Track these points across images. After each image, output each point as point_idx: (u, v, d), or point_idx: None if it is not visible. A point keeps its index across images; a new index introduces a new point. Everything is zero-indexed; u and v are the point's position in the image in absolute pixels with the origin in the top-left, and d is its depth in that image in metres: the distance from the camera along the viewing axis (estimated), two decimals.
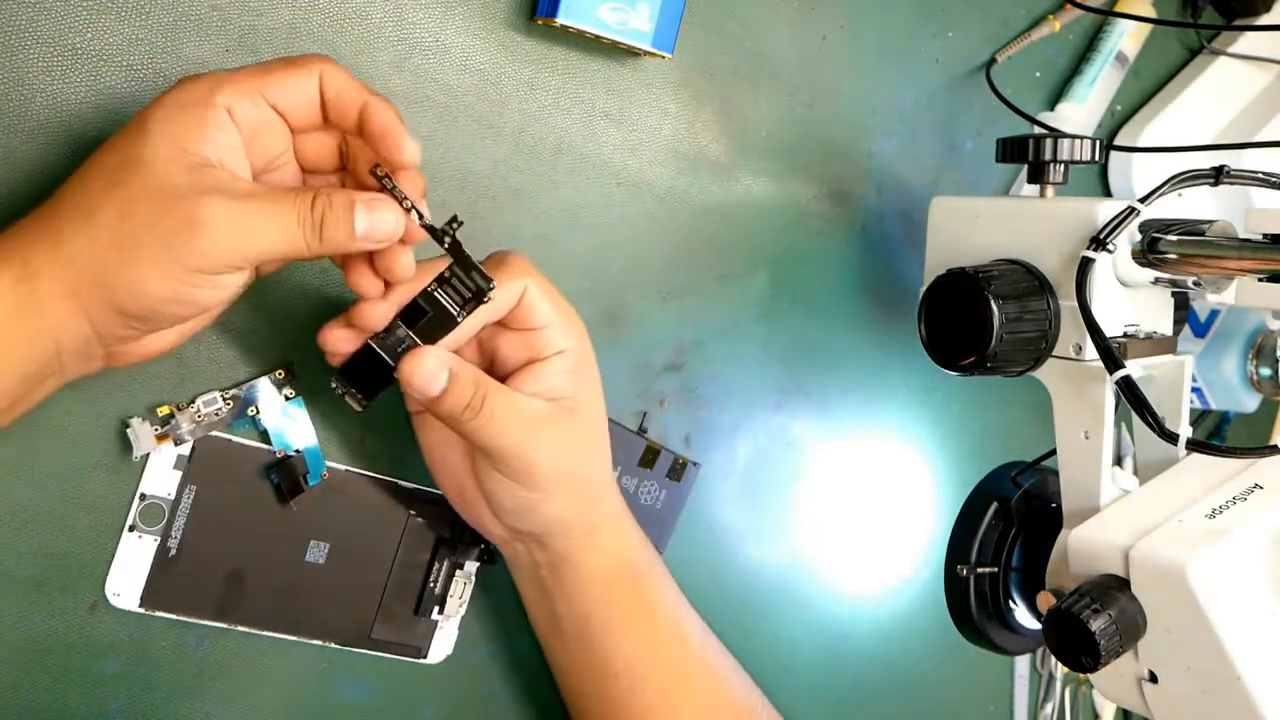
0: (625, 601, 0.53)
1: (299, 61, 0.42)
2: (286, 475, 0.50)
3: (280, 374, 0.50)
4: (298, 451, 0.51)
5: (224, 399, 0.49)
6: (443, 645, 0.56)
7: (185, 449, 0.48)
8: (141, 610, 0.48)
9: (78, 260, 0.38)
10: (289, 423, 0.50)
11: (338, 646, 0.53)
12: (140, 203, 0.38)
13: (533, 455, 0.46)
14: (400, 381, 0.44)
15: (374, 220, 0.41)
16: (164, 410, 0.47)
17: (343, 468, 0.52)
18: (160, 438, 0.47)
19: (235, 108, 0.40)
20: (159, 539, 0.48)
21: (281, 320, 0.50)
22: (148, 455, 0.47)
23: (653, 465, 0.61)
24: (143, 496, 0.47)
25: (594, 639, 0.53)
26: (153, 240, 0.38)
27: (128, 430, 0.46)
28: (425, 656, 0.55)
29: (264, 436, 0.50)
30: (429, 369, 0.44)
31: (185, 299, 0.39)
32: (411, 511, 0.54)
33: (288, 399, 0.50)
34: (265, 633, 0.51)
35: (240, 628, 0.50)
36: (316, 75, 0.41)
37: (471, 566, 0.56)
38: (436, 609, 0.55)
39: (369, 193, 0.42)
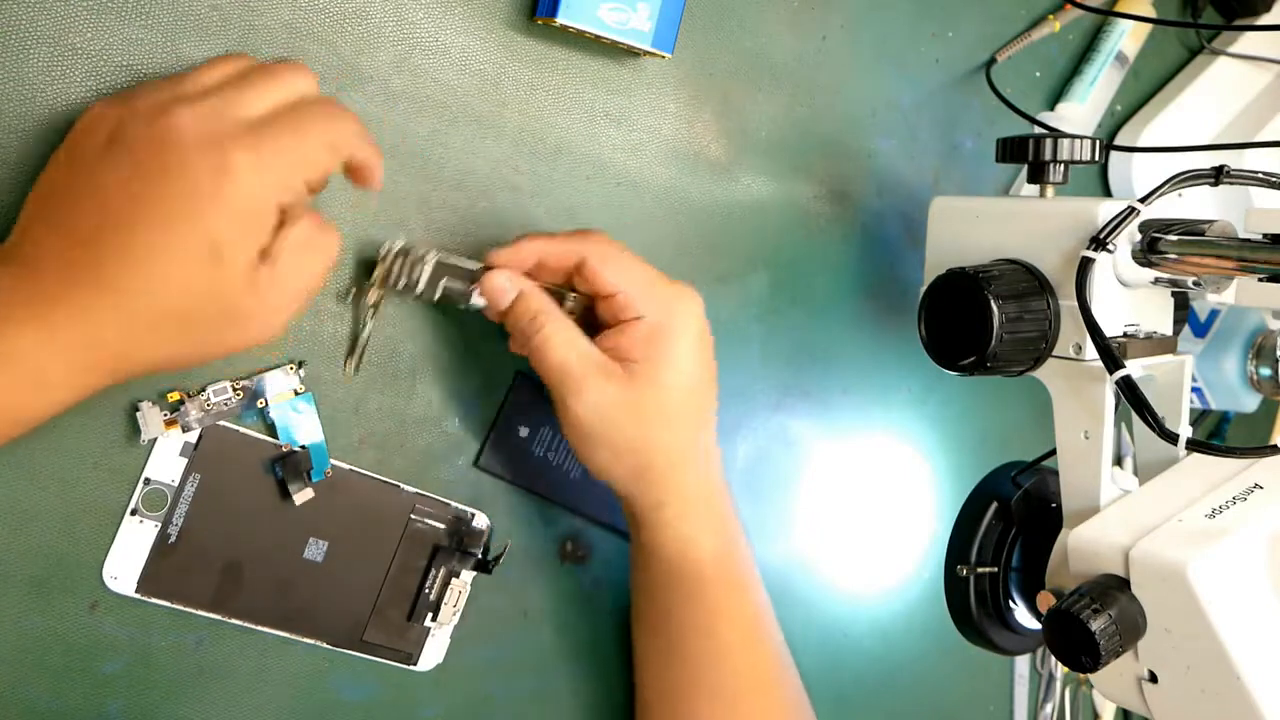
0: (687, 595, 0.53)
1: (337, 147, 0.43)
2: (290, 470, 0.50)
3: (291, 368, 0.50)
4: (303, 447, 0.51)
5: (234, 389, 0.49)
6: (434, 653, 0.56)
7: (192, 437, 0.48)
8: (138, 596, 0.48)
9: (138, 368, 0.41)
10: (297, 417, 0.50)
11: (329, 647, 0.53)
12: (211, 331, 0.41)
13: (573, 398, 0.49)
14: (482, 295, 0.50)
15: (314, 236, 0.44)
16: (174, 397, 0.48)
17: (346, 467, 0.52)
18: (169, 423, 0.47)
19: (287, 203, 0.42)
20: (160, 525, 0.48)
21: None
22: (154, 441, 0.47)
23: None
24: (147, 481, 0.48)
25: (657, 626, 0.54)
26: (218, 350, 0.42)
27: (137, 414, 0.46)
28: (415, 664, 0.55)
29: (271, 429, 0.50)
30: (500, 284, 0.50)
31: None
32: (411, 516, 0.54)
33: (297, 393, 0.50)
34: (259, 627, 0.51)
35: (234, 620, 0.50)
36: (346, 156, 0.44)
37: (468, 575, 0.56)
38: (430, 616, 0.55)
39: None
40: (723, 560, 0.54)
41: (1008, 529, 0.58)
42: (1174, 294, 0.55)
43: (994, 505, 0.58)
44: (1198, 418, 0.91)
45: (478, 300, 0.50)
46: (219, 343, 0.42)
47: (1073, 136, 0.55)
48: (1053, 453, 0.54)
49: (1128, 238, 0.51)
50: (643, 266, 0.51)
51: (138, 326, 0.39)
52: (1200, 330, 0.83)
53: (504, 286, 0.50)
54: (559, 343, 0.49)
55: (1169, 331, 0.55)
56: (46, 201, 0.41)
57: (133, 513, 0.47)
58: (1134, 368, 0.49)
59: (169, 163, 0.39)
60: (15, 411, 0.38)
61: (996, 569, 0.58)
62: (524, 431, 0.57)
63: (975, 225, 0.56)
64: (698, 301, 0.52)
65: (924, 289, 0.53)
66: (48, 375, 0.38)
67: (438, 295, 0.50)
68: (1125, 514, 0.50)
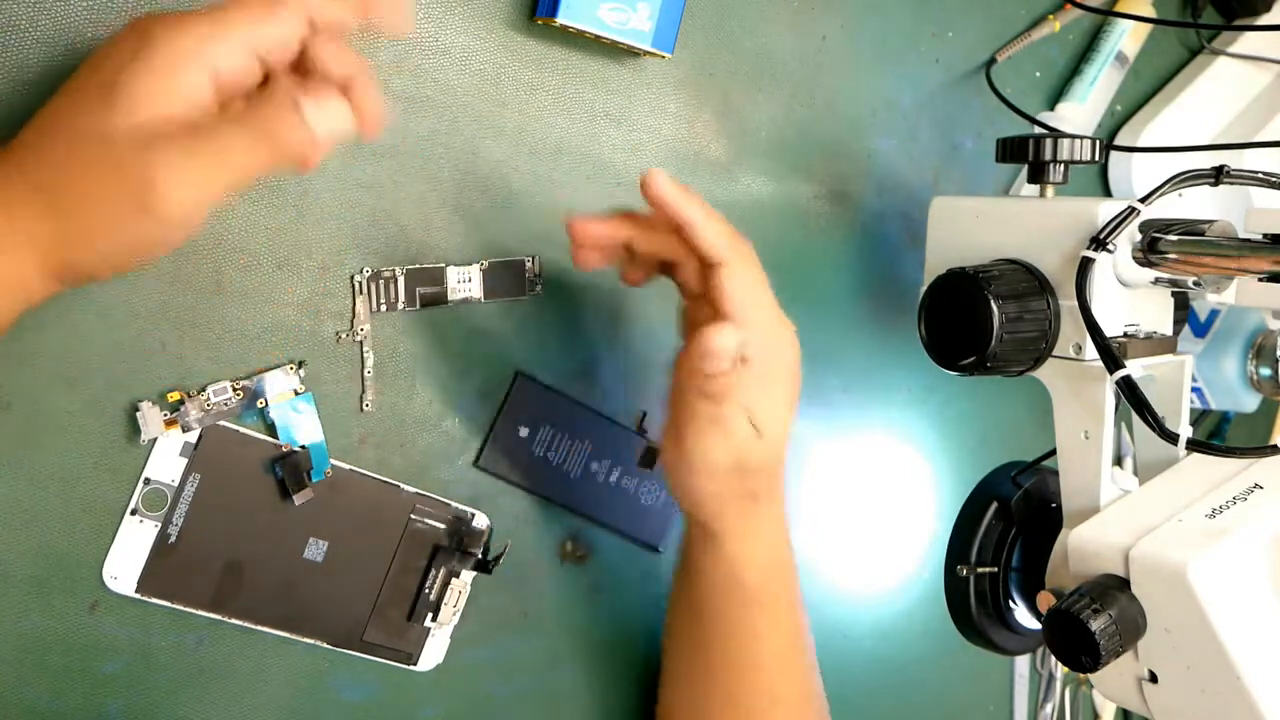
0: (739, 617, 0.54)
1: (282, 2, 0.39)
2: (290, 470, 0.50)
3: (291, 368, 0.50)
4: (303, 447, 0.51)
5: (234, 389, 0.49)
6: (434, 653, 0.56)
7: (192, 437, 0.48)
8: (138, 596, 0.48)
9: (39, 235, 0.37)
10: (297, 417, 0.50)
11: (329, 647, 0.53)
12: (99, 184, 0.37)
13: (681, 435, 0.50)
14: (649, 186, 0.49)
15: (331, 118, 0.40)
16: (174, 397, 0.48)
17: (346, 467, 0.52)
18: (169, 423, 0.47)
19: (220, 63, 0.38)
20: (160, 525, 0.48)
21: (295, 313, 0.50)
22: (154, 441, 0.47)
23: (653, 465, 0.61)
24: (147, 481, 0.48)
25: (697, 645, 0.55)
26: (114, 225, 0.37)
27: (137, 414, 0.47)
28: (416, 664, 0.55)
29: (271, 429, 0.50)
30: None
31: (149, 255, 0.40)
32: (411, 516, 0.54)
33: (297, 393, 0.50)
34: (259, 627, 0.51)
35: (234, 620, 0.50)
36: (303, 21, 0.40)
37: (468, 576, 0.56)
38: (430, 616, 0.55)
39: (315, 86, 0.40)
40: (777, 579, 0.55)
41: (1008, 529, 0.58)
42: (1174, 294, 0.55)
43: (994, 505, 0.58)
44: (1198, 418, 0.91)
45: (458, 293, 0.52)
46: (114, 210, 0.37)
47: (1073, 136, 0.55)
48: (1053, 453, 0.54)
49: (1128, 238, 0.51)
50: (762, 297, 0.50)
51: (38, 193, 0.37)
52: (1200, 330, 0.83)
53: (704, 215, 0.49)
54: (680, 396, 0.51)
55: (1169, 331, 0.55)
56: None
57: (133, 513, 0.47)
58: (1134, 368, 0.49)
59: (102, 55, 0.39)
60: None
61: (996, 569, 0.58)
62: (524, 431, 0.57)
63: (975, 225, 0.56)
64: (790, 333, 0.52)
65: (924, 289, 0.53)
66: None
67: (419, 303, 0.52)
68: (1125, 514, 0.50)
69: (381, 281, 0.52)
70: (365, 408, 0.52)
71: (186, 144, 0.37)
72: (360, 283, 0.51)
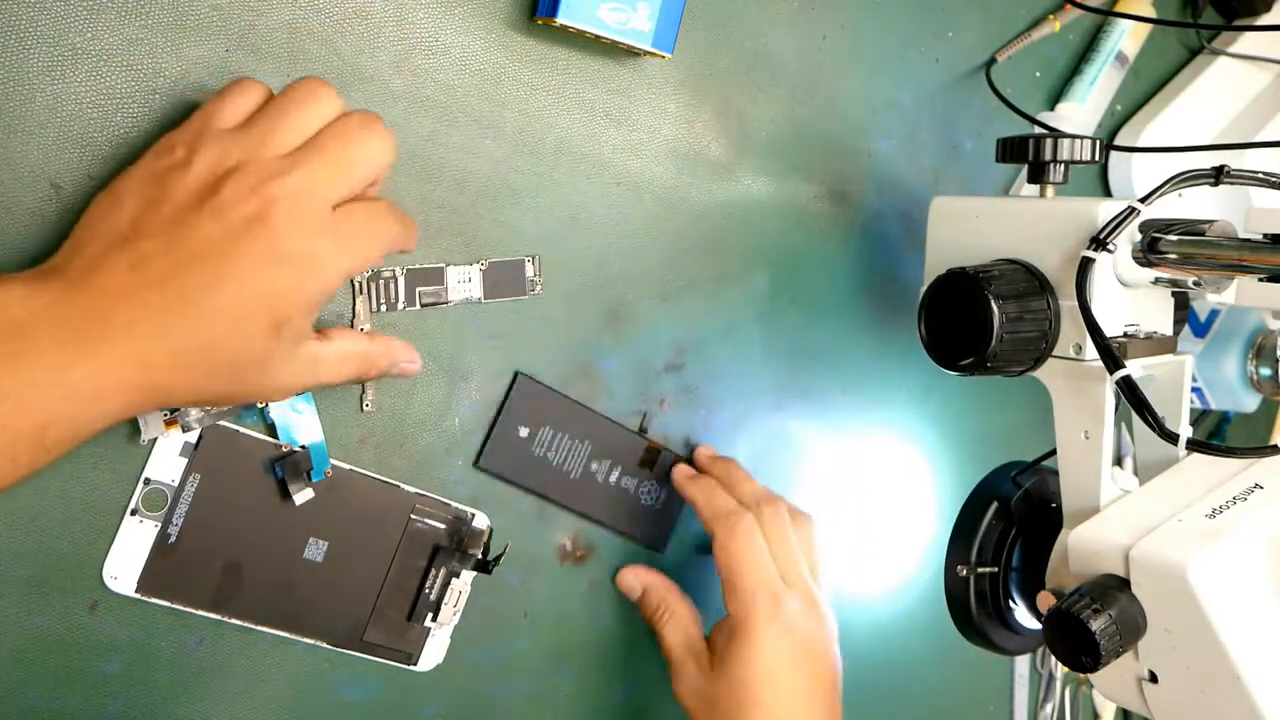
0: None
1: (391, 249, 0.47)
2: (290, 469, 0.50)
3: None
4: (303, 447, 0.51)
5: None
6: (434, 653, 0.56)
7: (192, 437, 0.48)
8: (138, 596, 0.48)
9: (176, 398, 0.42)
10: (296, 417, 0.50)
11: (329, 647, 0.53)
12: (248, 386, 0.43)
13: (674, 680, 0.58)
14: (619, 584, 0.62)
15: (403, 370, 0.51)
16: None
17: (347, 467, 0.52)
18: (169, 423, 0.47)
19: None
20: (160, 525, 0.48)
21: None
22: (154, 441, 0.47)
23: (653, 465, 0.61)
24: (147, 481, 0.48)
25: None
26: (240, 398, 0.44)
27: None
28: (416, 664, 0.55)
29: (271, 429, 0.50)
30: (629, 583, 0.61)
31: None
32: (411, 516, 0.54)
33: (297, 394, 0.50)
34: (259, 627, 0.51)
35: (234, 620, 0.50)
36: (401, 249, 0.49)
37: (468, 576, 0.56)
38: (430, 616, 0.55)
39: (409, 350, 0.51)
40: None
41: (1008, 529, 0.58)
42: (1174, 294, 0.55)
43: (994, 505, 0.58)
44: (1198, 418, 0.91)
45: (458, 293, 0.53)
46: (242, 394, 0.44)
47: (1073, 136, 0.55)
48: (1053, 453, 0.54)
49: (1128, 238, 0.51)
50: (756, 568, 0.57)
51: (194, 373, 0.41)
52: (1200, 330, 0.83)
53: (631, 585, 0.61)
54: (671, 629, 0.59)
55: (1169, 331, 0.54)
56: (114, 229, 0.41)
57: (133, 513, 0.47)
58: (1134, 368, 0.49)
59: (257, 236, 0.41)
60: (77, 435, 0.39)
61: (996, 569, 0.58)
62: (524, 431, 0.57)
63: (975, 225, 0.56)
64: (802, 611, 0.57)
65: (924, 289, 0.53)
66: (106, 406, 0.40)
67: (419, 303, 0.52)
68: (1125, 514, 0.50)
69: (381, 281, 0.52)
70: (365, 407, 0.52)
71: (315, 369, 0.46)
72: (360, 282, 0.51)
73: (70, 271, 0.40)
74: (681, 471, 0.61)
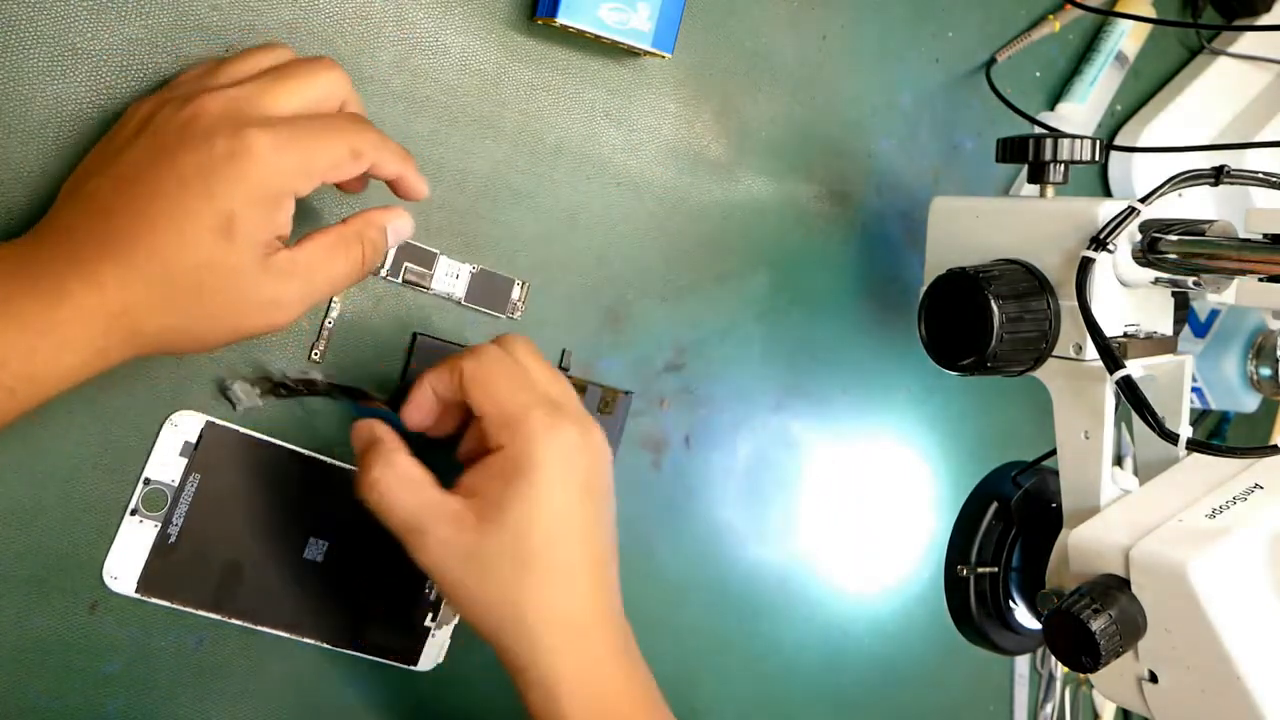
0: None
1: (360, 147, 0.44)
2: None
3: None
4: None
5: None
6: (434, 653, 0.56)
7: (192, 436, 0.48)
8: (138, 596, 0.48)
9: (155, 340, 0.41)
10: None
11: (329, 647, 0.53)
12: (225, 305, 0.41)
13: (418, 553, 0.45)
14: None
15: (398, 230, 0.47)
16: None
17: (348, 466, 0.52)
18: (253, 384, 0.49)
19: (303, 190, 0.42)
20: (160, 525, 0.48)
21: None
22: (154, 440, 0.47)
23: (614, 410, 0.59)
24: (147, 481, 0.48)
25: None
26: (233, 333, 0.42)
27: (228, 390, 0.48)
28: (416, 663, 0.55)
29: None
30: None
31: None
32: None
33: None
34: (259, 627, 0.51)
35: (234, 620, 0.50)
36: (369, 165, 0.45)
37: None
38: (430, 616, 0.55)
39: (386, 213, 0.47)
40: None
41: (1008, 529, 0.58)
42: (1174, 294, 0.55)
43: (994, 505, 0.58)
44: (1198, 418, 0.91)
45: (442, 284, 0.52)
46: (231, 322, 0.42)
47: (1073, 136, 0.55)
48: (1053, 453, 0.54)
49: (1128, 238, 0.51)
50: (521, 387, 0.46)
51: (151, 293, 0.40)
52: (1200, 330, 0.83)
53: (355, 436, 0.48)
54: (400, 486, 0.45)
55: (1169, 331, 0.55)
56: (76, 183, 0.43)
57: (133, 513, 0.47)
58: (1134, 368, 0.49)
59: (188, 140, 0.41)
60: (37, 371, 0.39)
61: (996, 569, 0.58)
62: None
63: (975, 225, 0.56)
64: (580, 433, 0.46)
65: (924, 289, 0.53)
66: (64, 335, 0.39)
67: (402, 278, 0.52)
68: (1125, 514, 0.50)
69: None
70: (313, 356, 0.51)
71: (303, 263, 0.43)
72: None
73: (34, 229, 0.42)
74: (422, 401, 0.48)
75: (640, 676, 0.49)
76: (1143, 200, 0.50)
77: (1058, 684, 0.84)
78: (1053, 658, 0.82)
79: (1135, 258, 0.51)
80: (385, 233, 0.47)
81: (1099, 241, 0.50)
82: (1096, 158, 0.55)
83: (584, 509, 0.46)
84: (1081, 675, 0.73)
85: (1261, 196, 0.75)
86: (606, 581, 0.48)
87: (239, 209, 0.40)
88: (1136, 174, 0.78)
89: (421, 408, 0.49)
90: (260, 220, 0.41)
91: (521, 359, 0.48)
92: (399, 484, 0.45)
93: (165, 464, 0.48)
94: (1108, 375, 0.49)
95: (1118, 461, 0.53)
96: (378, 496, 0.45)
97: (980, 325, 0.50)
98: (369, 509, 0.46)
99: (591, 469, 0.46)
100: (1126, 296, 0.52)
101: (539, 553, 0.44)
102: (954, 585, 0.58)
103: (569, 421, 0.46)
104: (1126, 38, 0.76)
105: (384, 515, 0.45)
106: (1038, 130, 0.67)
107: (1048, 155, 0.55)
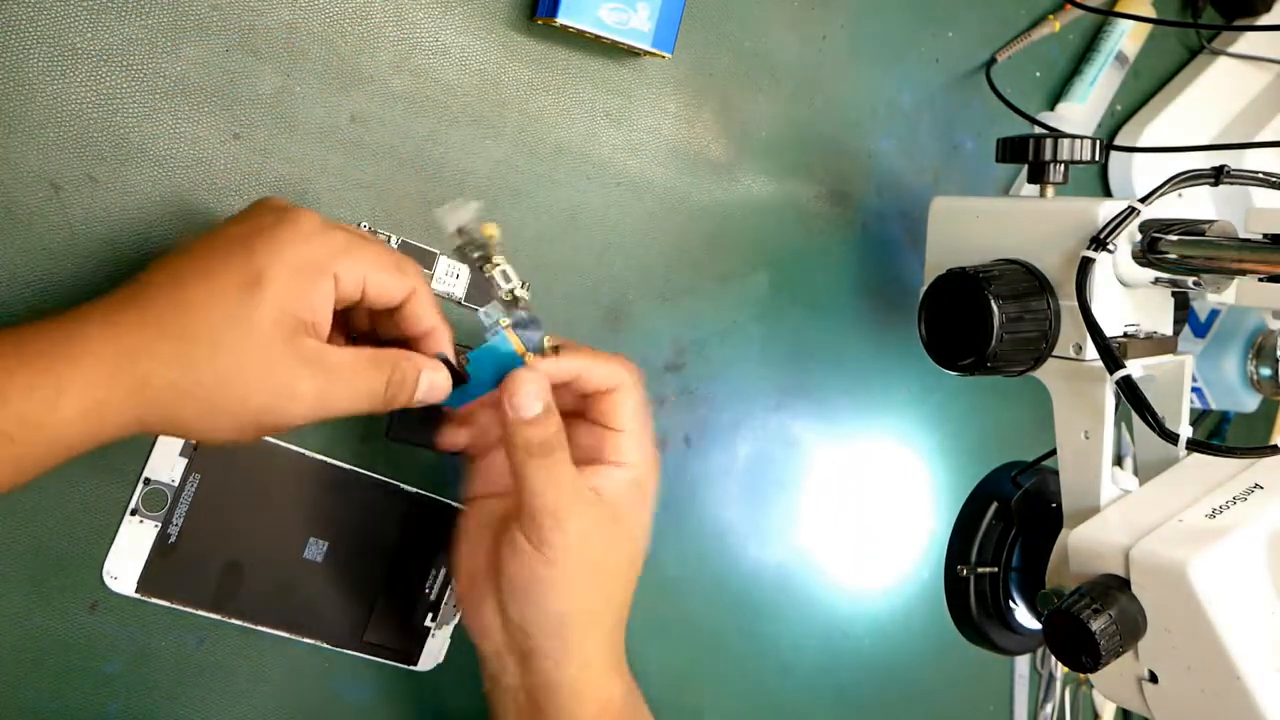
0: None
1: (404, 267, 0.44)
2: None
3: None
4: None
5: None
6: (434, 653, 0.56)
7: None
8: (138, 596, 0.48)
9: (159, 400, 0.39)
10: None
11: (329, 647, 0.53)
12: (238, 370, 0.39)
13: (567, 521, 0.45)
14: (504, 393, 0.45)
15: (433, 384, 0.45)
16: None
17: (348, 466, 0.52)
18: None
19: (341, 278, 0.42)
20: (160, 525, 0.48)
21: None
22: (155, 440, 0.47)
23: None
24: (146, 481, 0.48)
25: None
26: (240, 409, 0.40)
27: None
28: (416, 663, 0.55)
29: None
30: (530, 391, 0.45)
31: (238, 439, 0.41)
32: (412, 515, 0.54)
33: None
34: (259, 627, 0.51)
35: (234, 620, 0.50)
36: (410, 291, 0.44)
37: None
38: (430, 616, 0.55)
39: (428, 360, 0.45)
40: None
41: (1008, 529, 0.58)
42: (1174, 294, 0.55)
43: (994, 505, 0.58)
44: (1198, 418, 0.91)
45: (442, 284, 0.51)
46: (239, 391, 0.40)
47: (1073, 136, 0.55)
48: (1053, 453, 0.54)
49: (1128, 238, 0.51)
50: (647, 415, 0.50)
51: (165, 343, 0.38)
52: (1200, 330, 0.83)
53: (532, 392, 0.45)
54: (565, 471, 0.46)
55: (1169, 331, 0.55)
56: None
57: (133, 513, 0.47)
58: (1134, 368, 0.49)
59: (242, 217, 0.42)
60: (32, 413, 0.37)
61: (996, 569, 0.58)
62: None
63: (975, 225, 0.56)
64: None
65: (924, 289, 0.53)
66: (66, 375, 0.37)
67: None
68: (1125, 514, 0.50)
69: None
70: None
71: (332, 364, 0.41)
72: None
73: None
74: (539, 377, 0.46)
75: (635, 688, 0.52)
76: (1143, 200, 0.50)
77: (1058, 684, 0.84)
78: (1053, 658, 0.82)
79: (1135, 258, 0.51)
80: (419, 376, 0.44)
81: (1099, 241, 0.50)
82: (1096, 158, 0.55)
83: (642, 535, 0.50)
84: (1081, 675, 0.73)
85: (1261, 196, 0.75)
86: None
87: (271, 267, 0.40)
88: (1136, 174, 0.78)
89: (538, 389, 0.46)
90: (292, 287, 0.40)
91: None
92: (572, 474, 0.46)
93: (165, 464, 0.48)
94: (1108, 375, 0.49)
95: (1118, 461, 0.54)
96: (554, 475, 0.45)
97: (980, 325, 0.50)
98: (534, 479, 0.45)
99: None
100: (1126, 296, 0.52)
101: (626, 568, 0.49)
102: (954, 585, 0.58)
103: (656, 452, 0.50)
104: (1126, 38, 0.76)
105: (547, 488, 0.45)
106: (1038, 130, 0.67)
107: (1048, 155, 0.55)
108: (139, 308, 0.39)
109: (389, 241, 0.52)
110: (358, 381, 0.42)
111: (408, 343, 0.46)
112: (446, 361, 0.46)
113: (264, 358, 0.39)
